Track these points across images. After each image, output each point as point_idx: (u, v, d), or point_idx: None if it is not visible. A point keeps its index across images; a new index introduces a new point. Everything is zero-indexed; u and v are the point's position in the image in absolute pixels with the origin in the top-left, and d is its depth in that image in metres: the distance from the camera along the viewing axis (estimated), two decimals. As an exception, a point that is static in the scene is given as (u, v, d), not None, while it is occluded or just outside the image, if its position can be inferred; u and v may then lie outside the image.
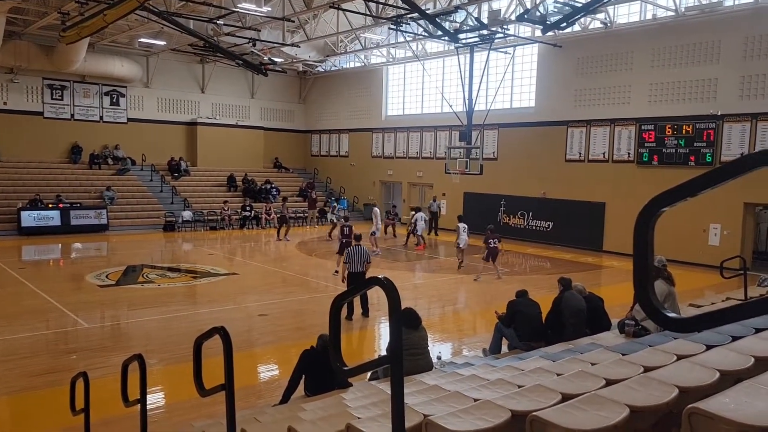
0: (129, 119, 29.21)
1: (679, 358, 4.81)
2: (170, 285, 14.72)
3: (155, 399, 7.50)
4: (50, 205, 23.48)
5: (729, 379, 4.09)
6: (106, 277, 15.24)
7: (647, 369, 4.53)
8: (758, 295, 9.81)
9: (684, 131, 18.71)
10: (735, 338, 5.27)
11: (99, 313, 12.21)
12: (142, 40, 25.96)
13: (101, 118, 28.51)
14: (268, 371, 9.13)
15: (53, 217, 23.14)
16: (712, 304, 9.99)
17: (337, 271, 15.77)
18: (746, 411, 3.04)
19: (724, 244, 17.49)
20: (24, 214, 22.57)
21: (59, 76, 26.89)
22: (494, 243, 15.67)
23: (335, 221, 23.61)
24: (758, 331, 5.41)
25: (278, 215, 23.54)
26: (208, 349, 3.71)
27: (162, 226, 25.07)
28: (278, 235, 22.94)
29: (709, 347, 5.06)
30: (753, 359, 4.41)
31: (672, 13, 18.83)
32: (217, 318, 11.29)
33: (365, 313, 11.49)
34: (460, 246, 17.33)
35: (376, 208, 21.48)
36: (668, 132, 19.10)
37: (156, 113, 29.95)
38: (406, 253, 20.55)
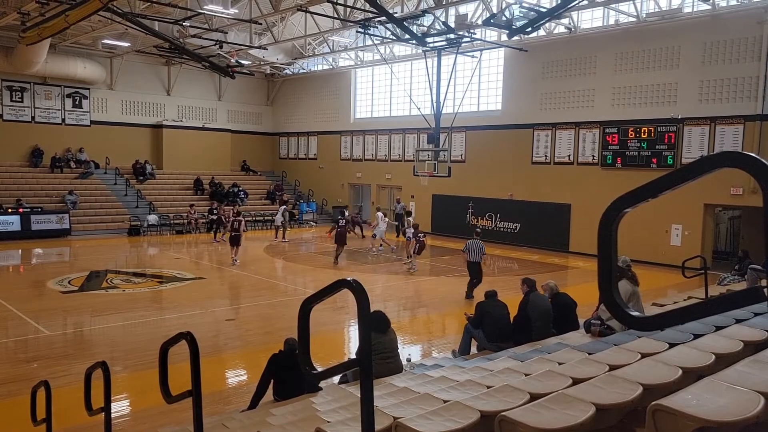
0: (92, 122, 28.62)
1: (643, 356, 4.91)
2: (135, 290, 14.44)
3: (120, 407, 7.36)
4: (9, 210, 22.86)
5: (691, 375, 4.19)
6: (69, 282, 14.88)
7: (612, 367, 4.60)
8: (718, 293, 10.07)
9: (646, 134, 19.13)
10: (696, 336, 5.40)
11: (61, 320, 11.92)
12: (106, 41, 25.48)
13: (63, 120, 27.88)
14: (236, 376, 9.02)
15: (13, 222, 22.50)
16: (675, 303, 10.22)
17: (235, 261, 17.91)
18: (708, 407, 3.12)
19: (686, 244, 17.91)
20: (-18, 219, 21.93)
21: (19, 77, 26.21)
22: (422, 237, 17.04)
23: (279, 225, 23.88)
24: (719, 328, 5.55)
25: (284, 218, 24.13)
26: (175, 355, 3.65)
27: (127, 231, 24.60)
28: (277, 236, 23.81)
29: (671, 345, 5.17)
30: (714, 356, 4.53)
31: (634, 19, 19.24)
32: (183, 323, 11.13)
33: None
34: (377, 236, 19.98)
35: (379, 213, 21.58)
36: (631, 135, 19.51)
37: (120, 116, 29.39)
38: (374, 256, 20.52)
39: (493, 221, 23.83)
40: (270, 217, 28.12)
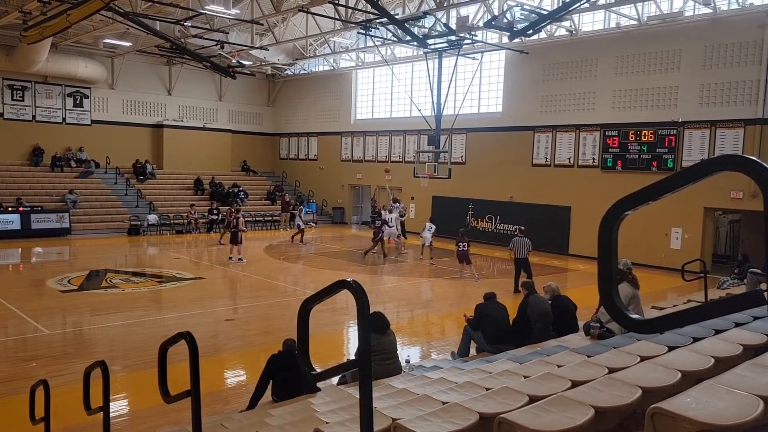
0: (93, 121, 28.62)
1: (643, 359, 4.91)
2: (135, 290, 14.43)
3: (119, 406, 7.35)
4: (10, 209, 22.86)
5: (690, 379, 4.19)
6: (68, 282, 14.88)
7: (612, 370, 4.60)
8: (718, 297, 10.07)
9: (647, 137, 19.14)
10: (696, 339, 5.40)
11: (60, 319, 11.91)
12: (107, 40, 25.48)
13: (64, 119, 27.89)
14: (235, 377, 9.02)
15: (13, 221, 22.48)
16: (674, 306, 10.21)
17: (241, 258, 18.28)
18: (707, 410, 3.12)
19: (686, 248, 17.90)
20: (-18, 217, 21.92)
21: (20, 76, 26.22)
22: (463, 247, 16.15)
23: (302, 226, 23.56)
24: (718, 332, 5.55)
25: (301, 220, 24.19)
26: (174, 355, 3.65)
27: (127, 230, 24.59)
28: (293, 239, 23.52)
29: (671, 348, 5.17)
30: (713, 360, 4.53)
31: (635, 22, 19.25)
32: (183, 323, 11.12)
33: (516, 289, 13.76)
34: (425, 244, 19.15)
35: (385, 212, 21.56)
36: (631, 138, 19.51)
37: (121, 115, 29.40)
38: (374, 257, 20.51)
39: (493, 223, 23.82)
40: (270, 218, 28.21)
